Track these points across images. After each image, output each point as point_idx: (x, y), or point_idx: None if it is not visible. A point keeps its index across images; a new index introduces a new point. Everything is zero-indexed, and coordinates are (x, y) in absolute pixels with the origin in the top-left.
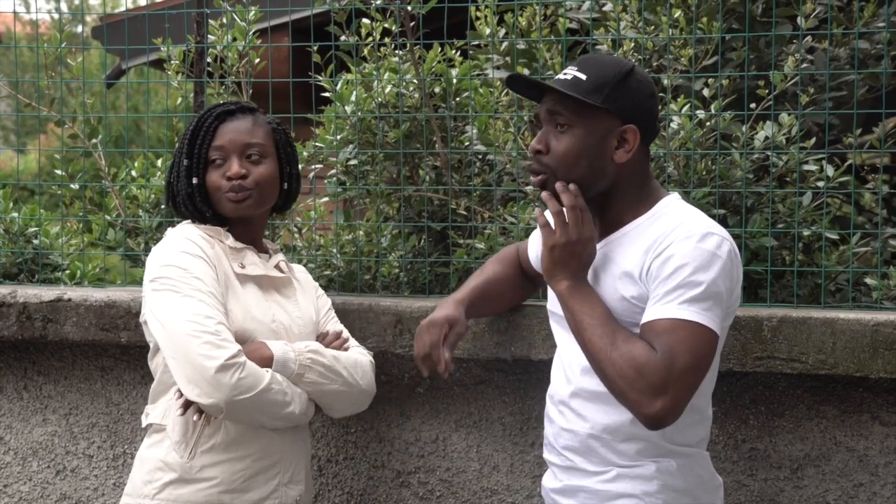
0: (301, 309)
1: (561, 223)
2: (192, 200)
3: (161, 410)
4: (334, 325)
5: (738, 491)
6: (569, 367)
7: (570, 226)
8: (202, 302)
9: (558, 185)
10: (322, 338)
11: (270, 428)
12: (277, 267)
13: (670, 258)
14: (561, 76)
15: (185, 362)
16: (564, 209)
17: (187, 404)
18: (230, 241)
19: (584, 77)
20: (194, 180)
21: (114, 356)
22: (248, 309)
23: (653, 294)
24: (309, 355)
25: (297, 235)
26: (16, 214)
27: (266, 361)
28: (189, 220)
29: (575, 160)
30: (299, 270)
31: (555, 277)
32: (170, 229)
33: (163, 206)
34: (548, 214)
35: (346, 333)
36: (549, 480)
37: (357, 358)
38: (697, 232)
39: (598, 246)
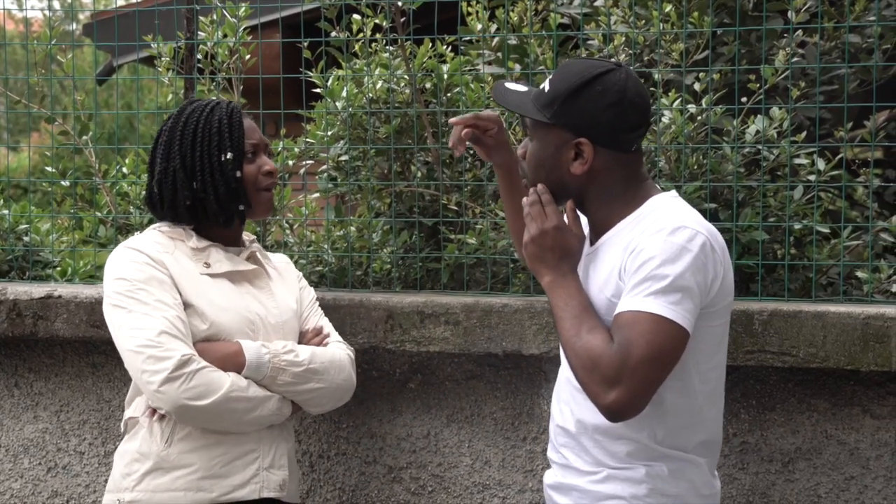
0: (277, 299)
1: (528, 222)
2: (234, 197)
3: (135, 406)
4: (316, 318)
5: (730, 485)
6: (566, 365)
7: (532, 222)
8: (146, 315)
9: (525, 199)
10: (302, 337)
11: (237, 432)
12: (252, 258)
13: (640, 252)
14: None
15: (135, 377)
16: (527, 210)
17: (153, 411)
18: (192, 241)
19: (547, 88)
20: (238, 174)
21: (105, 353)
22: (219, 303)
23: (624, 289)
24: (284, 357)
25: (288, 231)
26: (6, 212)
27: (239, 367)
28: (165, 224)
29: (535, 170)
30: (280, 260)
31: (538, 273)
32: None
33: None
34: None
35: (326, 328)
36: (547, 476)
37: (334, 354)
38: (669, 226)
39: (590, 250)
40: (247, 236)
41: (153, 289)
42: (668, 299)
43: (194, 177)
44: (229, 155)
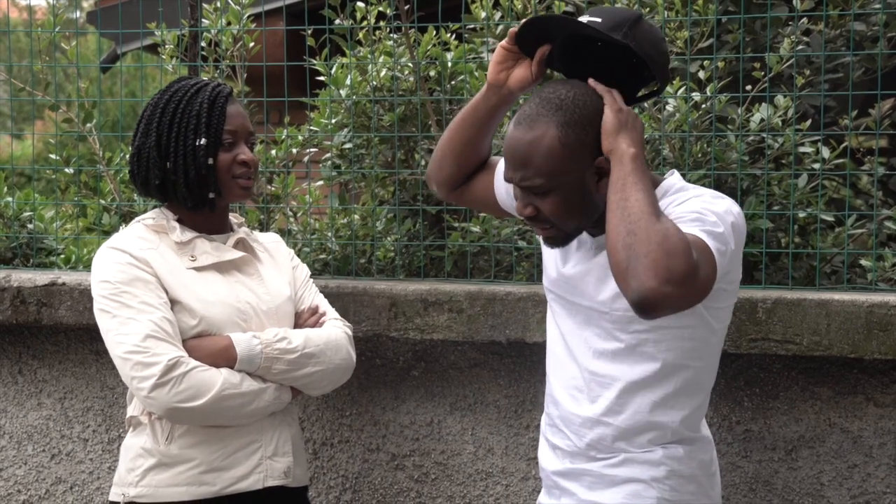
0: (268, 284)
1: (610, 100)
2: (204, 183)
3: (134, 404)
4: (311, 297)
5: (733, 472)
6: (577, 349)
7: (615, 101)
8: (131, 319)
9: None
10: (298, 318)
11: (238, 425)
12: (240, 244)
13: (687, 211)
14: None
15: (127, 383)
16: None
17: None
18: (176, 234)
19: (599, 20)
20: (210, 161)
21: None
22: (207, 297)
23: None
24: (277, 345)
25: (292, 219)
26: (10, 199)
27: (231, 361)
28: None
29: (567, 215)
30: (271, 240)
31: (623, 138)
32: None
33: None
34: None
35: (322, 307)
36: (550, 462)
37: (330, 334)
38: (707, 193)
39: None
40: (236, 219)
41: (137, 290)
42: (719, 245)
43: (167, 157)
44: (203, 141)
